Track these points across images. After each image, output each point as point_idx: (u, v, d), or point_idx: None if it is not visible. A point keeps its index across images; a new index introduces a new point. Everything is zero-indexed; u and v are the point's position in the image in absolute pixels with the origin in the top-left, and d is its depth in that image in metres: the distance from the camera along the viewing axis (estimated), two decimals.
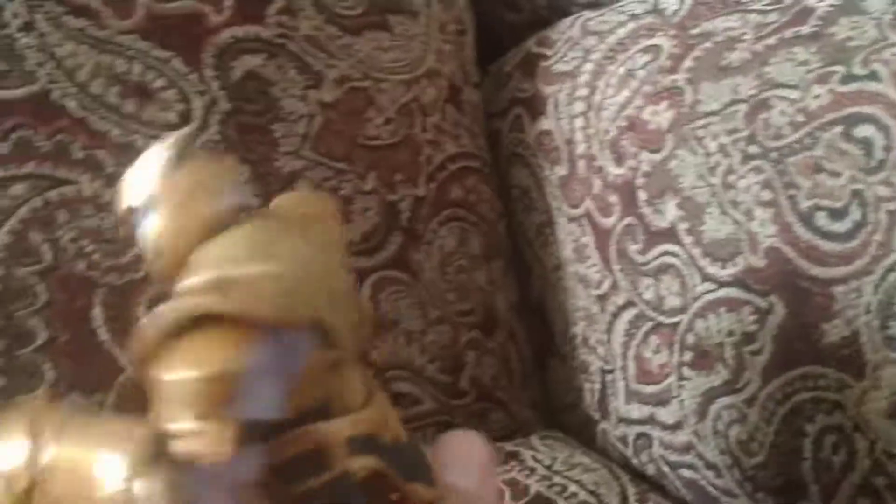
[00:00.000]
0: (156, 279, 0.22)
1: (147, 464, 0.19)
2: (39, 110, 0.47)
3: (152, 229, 0.22)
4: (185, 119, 0.50)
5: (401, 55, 0.58)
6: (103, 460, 0.19)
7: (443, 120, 0.60)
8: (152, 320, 0.21)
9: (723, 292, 0.48)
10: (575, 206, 0.60)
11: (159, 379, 0.20)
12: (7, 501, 0.19)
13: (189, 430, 0.20)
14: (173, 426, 0.20)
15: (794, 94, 0.45)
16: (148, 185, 0.22)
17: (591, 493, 0.54)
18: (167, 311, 0.21)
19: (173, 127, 0.49)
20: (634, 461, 0.58)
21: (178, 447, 0.20)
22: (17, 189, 0.46)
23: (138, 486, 0.18)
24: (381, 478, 0.23)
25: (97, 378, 0.48)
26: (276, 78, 0.53)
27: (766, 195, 0.45)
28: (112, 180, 0.48)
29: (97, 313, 0.48)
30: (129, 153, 0.47)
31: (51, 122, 0.47)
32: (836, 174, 0.42)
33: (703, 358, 0.50)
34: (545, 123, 0.62)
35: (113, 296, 0.48)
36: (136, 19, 0.50)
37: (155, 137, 0.49)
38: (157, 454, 0.19)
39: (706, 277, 0.49)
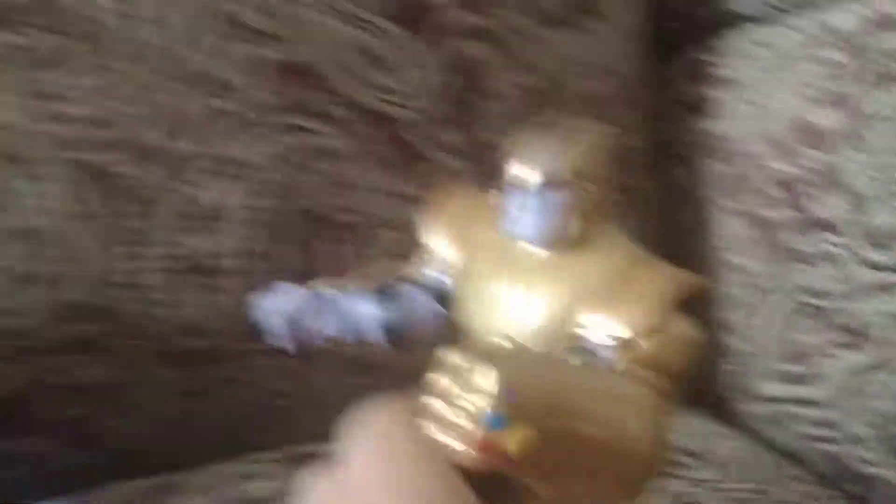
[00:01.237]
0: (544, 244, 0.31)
1: (661, 425, 0.26)
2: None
3: (568, 199, 0.30)
4: (405, 85, 0.57)
5: (586, 51, 0.65)
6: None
7: (618, 115, 0.66)
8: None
9: (881, 276, 0.53)
10: (734, 201, 0.64)
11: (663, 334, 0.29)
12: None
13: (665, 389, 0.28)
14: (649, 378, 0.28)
15: None
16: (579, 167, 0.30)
17: (733, 457, 0.58)
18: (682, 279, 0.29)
19: (394, 93, 0.56)
20: (772, 439, 0.62)
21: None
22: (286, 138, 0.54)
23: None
24: None
25: None
26: (484, 59, 0.59)
27: None
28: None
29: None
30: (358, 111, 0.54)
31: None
32: None
33: (854, 337, 0.55)
34: (708, 124, 0.67)
35: None
36: None
37: (382, 101, 0.56)
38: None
39: (865, 263, 0.53)
